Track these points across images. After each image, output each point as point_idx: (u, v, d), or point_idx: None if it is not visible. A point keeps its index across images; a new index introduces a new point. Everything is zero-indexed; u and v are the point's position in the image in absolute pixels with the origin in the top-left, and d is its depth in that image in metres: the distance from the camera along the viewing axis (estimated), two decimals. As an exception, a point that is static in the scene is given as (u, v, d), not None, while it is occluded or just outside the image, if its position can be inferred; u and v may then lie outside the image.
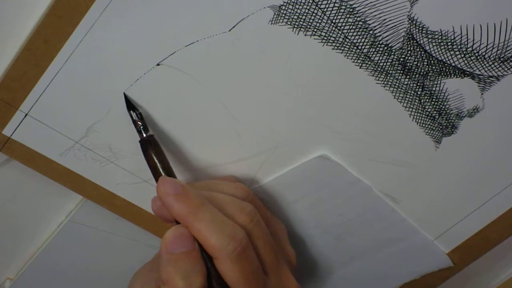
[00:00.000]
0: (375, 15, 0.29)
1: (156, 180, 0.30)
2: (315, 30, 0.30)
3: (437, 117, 0.33)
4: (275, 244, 0.32)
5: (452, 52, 0.30)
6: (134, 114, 0.32)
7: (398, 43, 0.30)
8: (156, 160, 0.31)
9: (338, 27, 0.30)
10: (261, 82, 0.32)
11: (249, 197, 0.33)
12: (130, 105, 0.33)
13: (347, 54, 0.31)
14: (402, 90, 0.32)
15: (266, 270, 0.31)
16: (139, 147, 0.35)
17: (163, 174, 0.31)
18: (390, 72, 0.31)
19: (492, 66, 0.30)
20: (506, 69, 0.30)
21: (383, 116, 0.33)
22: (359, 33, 0.30)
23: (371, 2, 0.29)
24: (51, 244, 0.41)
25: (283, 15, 0.30)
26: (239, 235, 0.28)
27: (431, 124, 0.33)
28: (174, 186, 0.29)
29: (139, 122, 0.32)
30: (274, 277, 0.31)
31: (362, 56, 0.31)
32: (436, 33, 0.29)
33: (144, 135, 0.32)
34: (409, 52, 0.30)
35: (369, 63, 0.31)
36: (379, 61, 0.31)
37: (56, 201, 0.40)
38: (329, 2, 0.29)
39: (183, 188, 0.29)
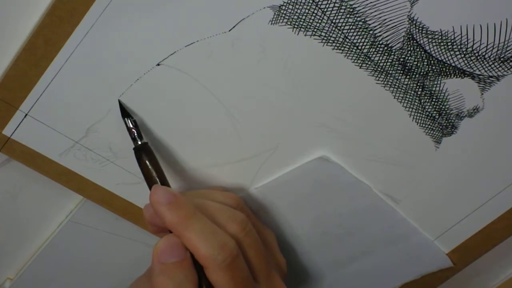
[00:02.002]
0: (375, 15, 0.29)
1: (150, 187, 0.31)
2: (315, 30, 0.30)
3: (437, 117, 0.33)
4: (266, 252, 0.33)
5: (452, 52, 0.30)
6: (129, 121, 0.32)
7: (398, 43, 0.30)
8: (149, 168, 0.32)
9: (338, 27, 0.30)
10: (261, 82, 0.32)
11: (240, 206, 0.34)
12: (125, 112, 0.33)
13: (347, 54, 0.31)
14: (402, 90, 0.32)
15: (257, 278, 0.31)
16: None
17: (157, 181, 0.31)
18: (390, 72, 0.31)
19: (492, 66, 0.30)
20: (506, 69, 0.30)
21: (383, 116, 0.33)
22: (359, 33, 0.30)
23: (371, 2, 0.29)
24: (51, 244, 0.41)
25: (283, 15, 0.30)
26: (229, 245, 0.28)
27: (431, 124, 0.33)
28: (166, 195, 0.29)
29: (133, 130, 0.32)
30: (264, 285, 0.31)
31: (362, 56, 0.31)
32: (436, 33, 0.29)
33: (139, 142, 0.32)
34: (409, 52, 0.30)
35: (369, 63, 0.31)
36: (379, 61, 0.31)
37: (56, 201, 0.40)
38: (329, 2, 0.29)
39: (175, 197, 0.29)
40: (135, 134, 0.32)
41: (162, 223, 0.30)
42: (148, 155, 0.32)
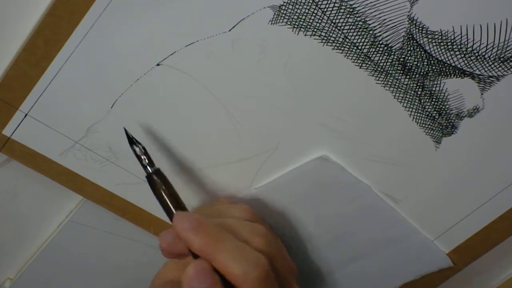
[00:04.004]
0: (375, 15, 0.29)
1: (168, 214, 0.30)
2: (315, 30, 0.30)
3: (437, 117, 0.33)
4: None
5: (452, 52, 0.30)
6: (138, 149, 0.31)
7: (398, 43, 0.30)
8: (165, 197, 0.31)
9: (338, 27, 0.30)
10: (261, 82, 0.32)
11: (255, 217, 0.33)
12: (132, 140, 0.32)
13: (347, 54, 0.31)
14: (402, 90, 0.32)
15: (283, 286, 0.31)
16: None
17: (172, 209, 0.30)
18: (390, 72, 0.31)
19: (492, 66, 0.30)
20: (506, 69, 0.30)
21: (383, 116, 0.33)
22: (359, 33, 0.30)
23: (371, 2, 0.29)
24: (51, 244, 0.41)
25: (283, 15, 0.30)
26: (261, 262, 0.28)
27: (431, 124, 0.33)
28: (190, 221, 0.28)
29: (143, 157, 0.31)
30: None
31: (362, 56, 0.31)
32: (436, 33, 0.29)
33: (150, 170, 0.31)
34: (409, 52, 0.30)
35: (369, 63, 0.31)
36: (379, 61, 0.31)
37: (56, 201, 0.40)
38: (329, 2, 0.29)
39: (198, 221, 0.28)
40: (146, 162, 0.31)
41: (181, 251, 0.29)
42: (163, 183, 0.31)
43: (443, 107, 0.32)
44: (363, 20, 0.29)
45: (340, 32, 0.30)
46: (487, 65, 0.30)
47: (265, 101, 0.33)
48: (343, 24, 0.30)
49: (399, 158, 0.35)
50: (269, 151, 0.35)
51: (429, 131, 0.33)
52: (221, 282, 0.28)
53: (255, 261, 0.28)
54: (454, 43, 0.30)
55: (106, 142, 0.35)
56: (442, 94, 0.32)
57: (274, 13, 0.30)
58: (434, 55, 0.30)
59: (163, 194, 0.31)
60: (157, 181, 0.31)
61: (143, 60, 0.31)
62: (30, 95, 0.32)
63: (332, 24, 0.30)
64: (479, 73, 0.31)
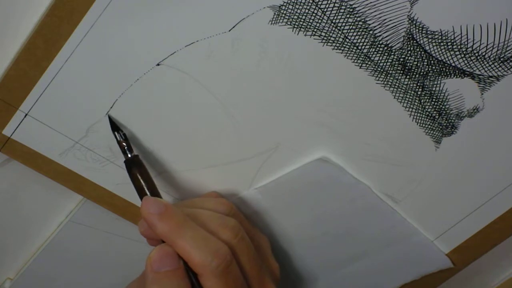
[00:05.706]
0: (375, 15, 0.29)
1: (141, 199, 0.31)
2: (315, 30, 0.30)
3: (437, 117, 0.33)
4: (259, 258, 0.33)
5: (452, 52, 0.30)
6: (119, 135, 0.33)
7: (398, 43, 0.30)
8: (140, 180, 0.32)
9: (338, 27, 0.30)
10: (261, 82, 0.32)
11: (232, 212, 0.34)
12: (114, 126, 0.33)
13: (347, 54, 0.31)
14: (402, 90, 0.32)
15: (251, 284, 0.31)
16: (139, 147, 0.35)
17: (147, 193, 0.32)
18: (390, 72, 0.31)
19: (492, 66, 0.30)
20: (506, 69, 0.30)
21: (383, 116, 0.33)
22: (359, 33, 0.30)
23: (371, 2, 0.29)
24: (51, 244, 0.41)
25: (283, 15, 0.30)
26: (222, 251, 0.29)
27: (431, 124, 0.33)
28: (157, 205, 0.29)
29: (123, 143, 0.33)
30: None
31: (362, 56, 0.31)
32: (436, 33, 0.29)
33: (129, 155, 0.33)
34: (409, 52, 0.30)
35: (369, 63, 0.31)
36: (379, 61, 0.31)
37: (56, 201, 0.40)
38: (329, 2, 0.29)
39: (166, 207, 0.29)
40: (125, 148, 0.33)
41: (156, 236, 0.30)
42: (138, 167, 0.32)
43: (443, 107, 0.32)
44: (363, 20, 0.29)
45: (340, 32, 0.30)
46: (487, 65, 0.30)
47: (265, 101, 0.33)
48: (343, 24, 0.30)
49: (399, 158, 0.35)
50: (269, 151, 0.35)
51: (429, 131, 0.33)
52: (184, 268, 0.29)
53: (216, 250, 0.28)
54: (454, 43, 0.30)
55: (106, 142, 0.35)
56: (442, 94, 0.32)
57: (274, 13, 0.30)
58: (434, 55, 0.30)
59: (138, 178, 0.32)
60: (133, 166, 0.32)
61: (143, 60, 0.31)
62: (30, 95, 0.32)
63: (332, 24, 0.30)
64: (479, 73, 0.31)
